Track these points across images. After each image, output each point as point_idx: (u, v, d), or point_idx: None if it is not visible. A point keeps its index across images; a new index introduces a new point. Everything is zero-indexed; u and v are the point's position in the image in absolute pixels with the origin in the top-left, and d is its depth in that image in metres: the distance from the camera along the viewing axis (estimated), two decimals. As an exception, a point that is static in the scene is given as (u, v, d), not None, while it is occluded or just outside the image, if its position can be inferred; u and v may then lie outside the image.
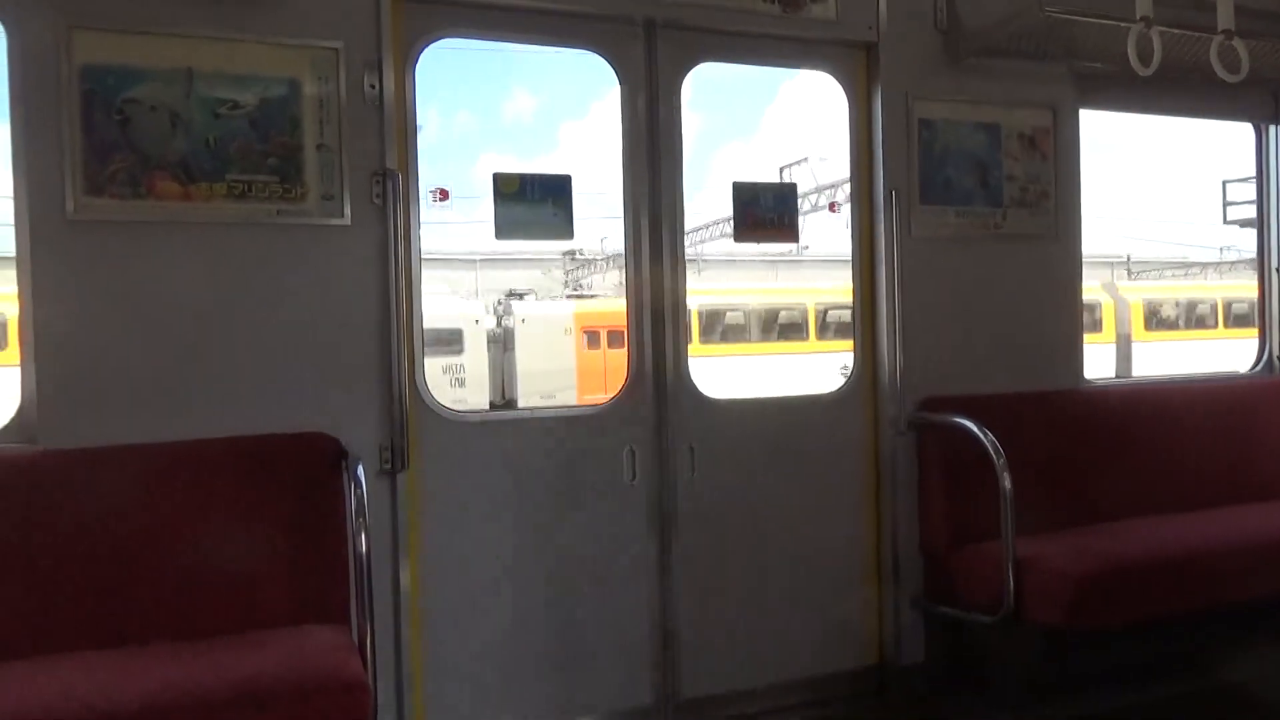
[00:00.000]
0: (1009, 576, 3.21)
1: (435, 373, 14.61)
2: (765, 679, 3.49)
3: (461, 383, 15.83)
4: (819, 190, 18.69)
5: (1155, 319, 21.11)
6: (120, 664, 2.37)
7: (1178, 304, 21.45)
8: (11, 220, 2.65)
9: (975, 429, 3.34)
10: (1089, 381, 4.06)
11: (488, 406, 15.50)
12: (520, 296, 18.38)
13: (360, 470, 2.68)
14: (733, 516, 3.46)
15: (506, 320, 17.13)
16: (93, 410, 2.69)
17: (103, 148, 2.68)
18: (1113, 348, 20.04)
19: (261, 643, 2.49)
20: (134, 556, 2.62)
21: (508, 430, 3.31)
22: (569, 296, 18.99)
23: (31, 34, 2.62)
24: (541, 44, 3.46)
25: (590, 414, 3.45)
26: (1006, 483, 3.23)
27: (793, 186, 3.69)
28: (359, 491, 2.62)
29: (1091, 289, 21.91)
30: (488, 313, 17.14)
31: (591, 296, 19.35)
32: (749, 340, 17.83)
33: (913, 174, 3.66)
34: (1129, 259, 27.14)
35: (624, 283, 3.47)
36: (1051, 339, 3.94)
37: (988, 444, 3.28)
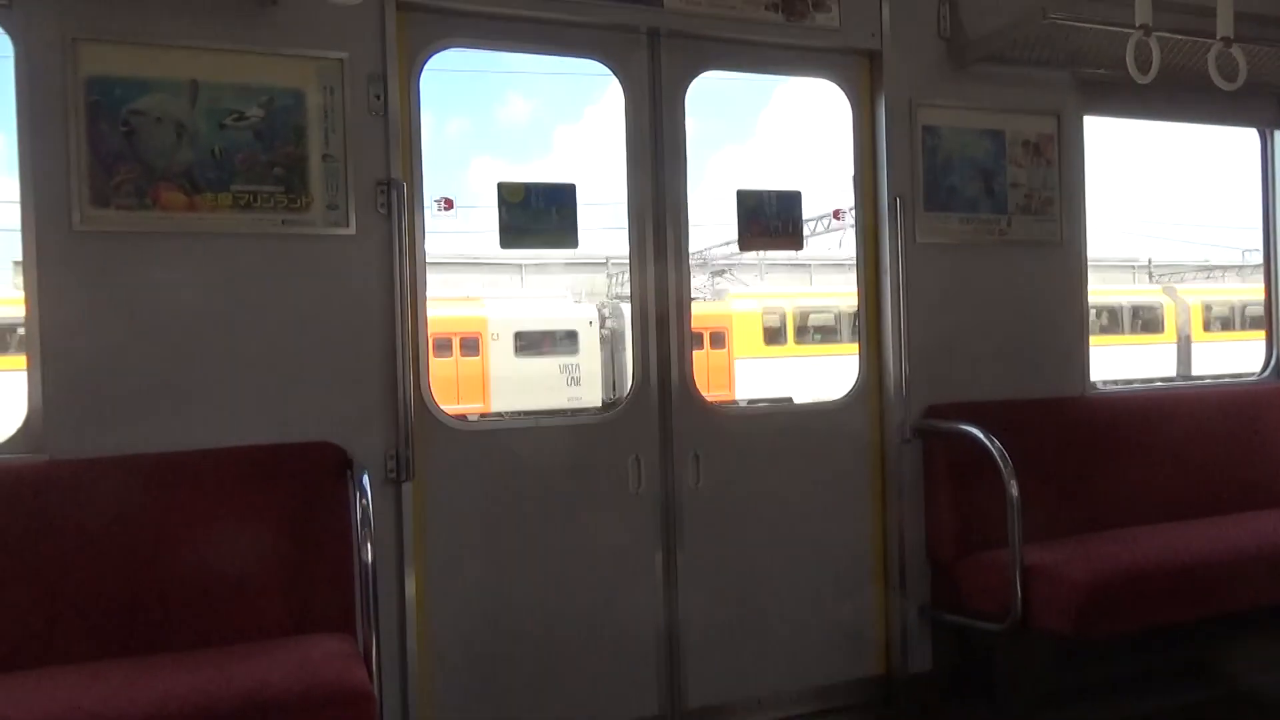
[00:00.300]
0: (1017, 584, 3.19)
1: (554, 371, 15.83)
2: (771, 688, 3.48)
3: (577, 381, 16.57)
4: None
5: (1212, 320, 21.31)
6: (125, 674, 2.37)
7: (1231, 306, 21.74)
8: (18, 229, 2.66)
9: (981, 436, 3.33)
10: (1095, 387, 4.05)
11: (600, 404, 16.13)
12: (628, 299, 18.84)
13: (365, 479, 2.68)
14: (738, 524, 3.45)
15: (612, 322, 17.71)
16: (99, 420, 2.70)
17: (108, 159, 2.69)
18: (1174, 348, 20.27)
19: (267, 652, 2.48)
20: (140, 566, 2.62)
21: (513, 439, 3.31)
22: None
23: (37, 46, 2.64)
24: (546, 53, 3.47)
25: (595, 422, 3.45)
26: (1014, 490, 3.22)
27: (797, 194, 3.68)
28: (364, 501, 2.62)
29: (1153, 291, 22.23)
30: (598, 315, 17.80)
31: (693, 299, 19.77)
32: (840, 341, 18.10)
33: (917, 181, 3.66)
34: (1150, 262, 27.11)
35: (629, 291, 3.47)
36: (1057, 345, 3.93)
37: (994, 451, 3.27)
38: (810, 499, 3.56)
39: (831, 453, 3.61)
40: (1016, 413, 3.67)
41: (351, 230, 2.94)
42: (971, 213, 3.77)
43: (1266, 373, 4.61)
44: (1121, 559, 3.29)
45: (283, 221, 2.87)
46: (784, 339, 18.06)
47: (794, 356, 17.61)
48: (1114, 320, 21.34)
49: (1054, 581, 3.17)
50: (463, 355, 15.79)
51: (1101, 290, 22.79)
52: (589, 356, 16.88)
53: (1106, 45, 3.51)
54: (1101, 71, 3.77)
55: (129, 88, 2.72)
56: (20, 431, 2.69)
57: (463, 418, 3.23)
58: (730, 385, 17.54)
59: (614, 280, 19.97)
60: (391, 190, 2.96)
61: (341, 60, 2.92)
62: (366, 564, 2.54)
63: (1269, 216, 4.61)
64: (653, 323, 3.39)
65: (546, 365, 16.11)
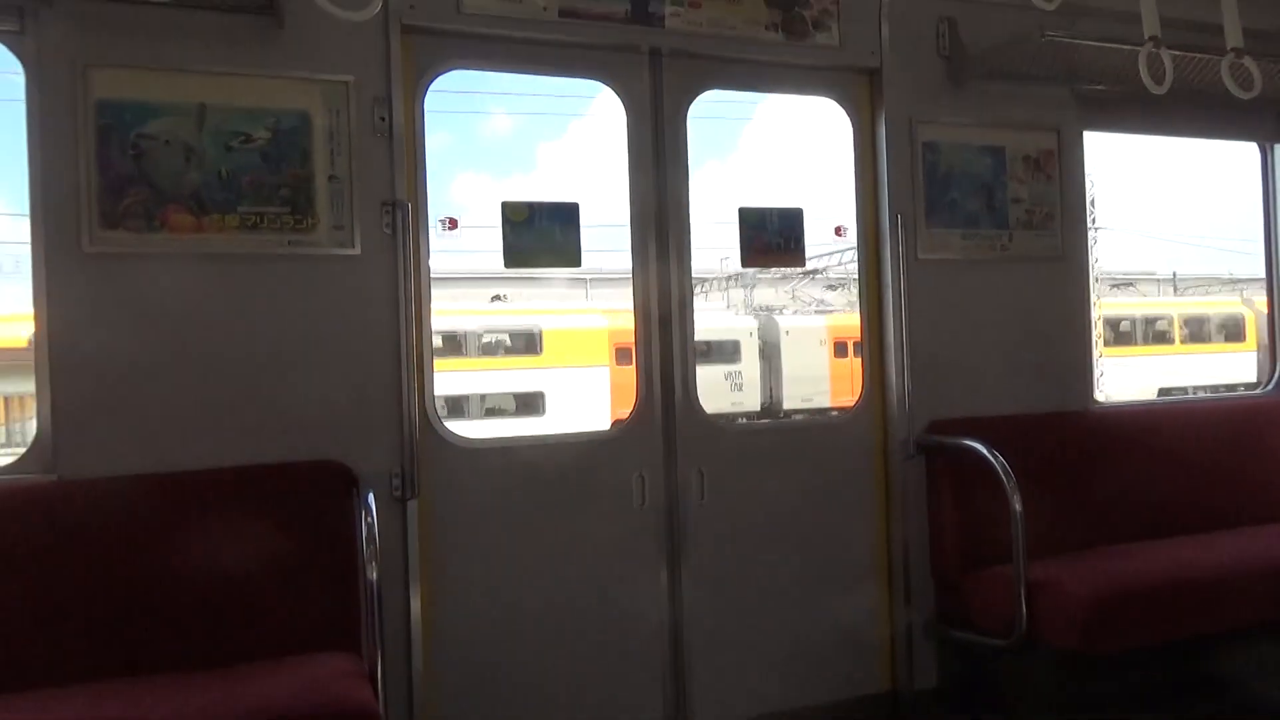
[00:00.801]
0: (1021, 599, 3.19)
1: (718, 378, 17.48)
2: (777, 704, 3.47)
3: (740, 388, 18.49)
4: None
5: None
6: (133, 693, 2.38)
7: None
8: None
9: (985, 451, 3.33)
10: (1098, 403, 4.05)
11: (758, 409, 18.22)
12: (780, 311, 20.79)
13: (370, 498, 2.69)
14: (743, 540, 3.46)
15: (763, 333, 19.52)
16: (108, 440, 2.72)
17: (118, 182, 2.73)
18: (1254, 355, 21.30)
19: (273, 671, 2.49)
20: (148, 585, 2.64)
21: (517, 457, 3.32)
22: (817, 312, 21.26)
23: (48, 71, 2.68)
24: (548, 74, 3.50)
25: (599, 439, 3.46)
26: (1017, 505, 3.22)
27: (799, 211, 3.70)
28: (369, 519, 2.63)
29: (1233, 303, 23.28)
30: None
31: (832, 311, 21.41)
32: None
33: (918, 197, 3.68)
34: (1175, 275, 27.42)
35: (633, 308, 3.48)
36: (1061, 360, 3.94)
37: (998, 466, 3.28)
38: (814, 514, 3.56)
39: (836, 468, 3.62)
40: (1020, 427, 3.67)
41: (357, 250, 2.96)
42: (973, 228, 3.79)
43: (1270, 386, 4.61)
44: (1126, 574, 3.29)
45: (289, 242, 2.90)
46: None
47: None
48: (1199, 331, 22.03)
49: (1058, 596, 3.16)
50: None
51: (1187, 302, 23.48)
52: (749, 365, 18.79)
53: (1105, 60, 3.54)
54: (1101, 87, 3.80)
55: (138, 111, 2.75)
56: (30, 452, 2.71)
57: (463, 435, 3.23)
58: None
59: (749, 292, 21.76)
60: (396, 210, 2.99)
61: (347, 83, 2.95)
62: (371, 582, 2.55)
63: (1270, 230, 4.62)
64: (655, 339, 3.40)
65: (714, 373, 17.43)
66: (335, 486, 2.84)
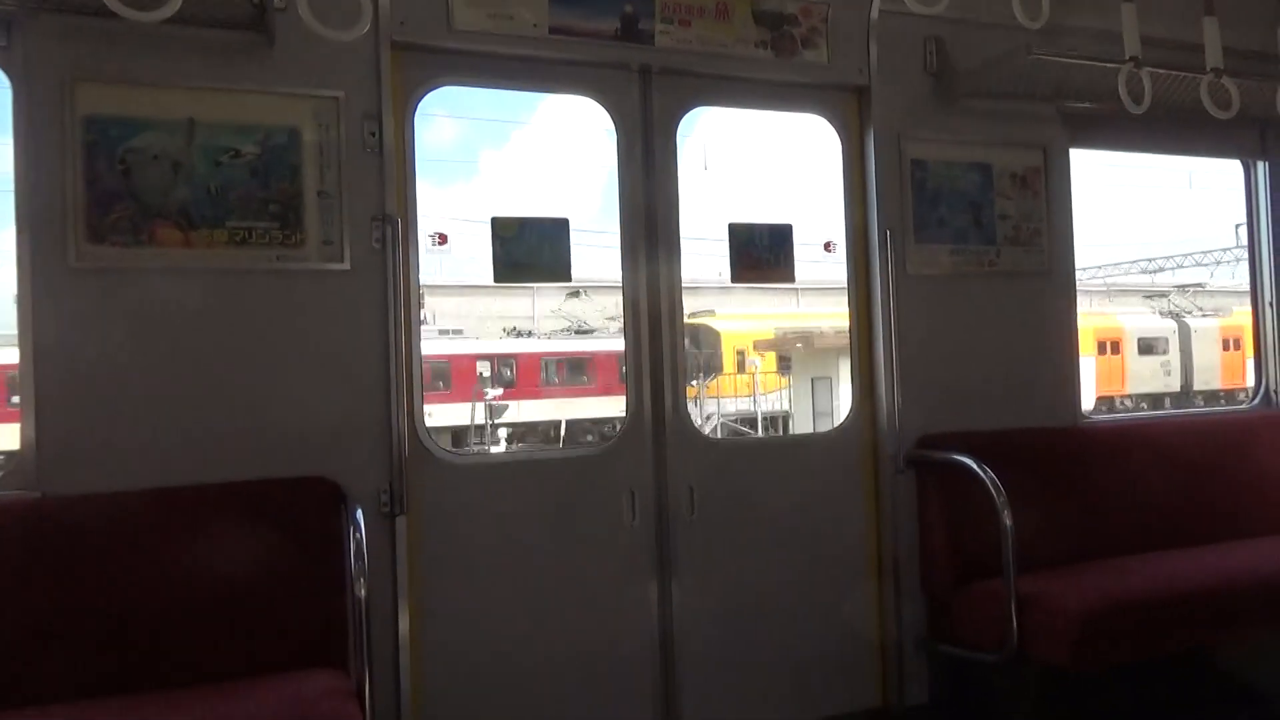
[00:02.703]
0: (1012, 614, 3.18)
1: (1155, 368, 24.31)
2: None
3: (1169, 374, 24.45)
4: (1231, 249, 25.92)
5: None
6: (118, 712, 2.35)
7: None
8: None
9: (974, 466, 3.34)
10: (1087, 418, 4.07)
11: (1178, 390, 24.13)
12: (1189, 313, 26.11)
13: (359, 514, 2.67)
14: (733, 556, 3.44)
15: (1184, 334, 25.06)
16: (93, 456, 2.69)
17: (105, 197, 2.71)
18: None
19: (259, 689, 2.47)
20: (132, 603, 2.60)
21: (507, 473, 3.30)
22: (1204, 315, 26.22)
23: (36, 86, 2.67)
24: (538, 91, 3.51)
25: (589, 456, 3.45)
26: (1007, 520, 3.22)
27: (789, 226, 3.71)
28: (357, 535, 2.61)
29: None
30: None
31: (1219, 315, 26.10)
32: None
33: (906, 213, 3.70)
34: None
35: (623, 325, 3.48)
36: (1049, 374, 3.96)
37: (987, 481, 3.28)
38: (805, 530, 3.56)
39: (826, 483, 3.62)
40: (1009, 442, 3.68)
41: (346, 265, 2.95)
42: (961, 244, 3.81)
43: (1256, 401, 4.64)
44: (1117, 588, 3.29)
45: (278, 257, 2.89)
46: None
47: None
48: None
49: (1050, 611, 3.16)
50: (1112, 354, 23.50)
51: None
52: (1174, 357, 24.74)
53: (1091, 79, 3.58)
54: (1086, 105, 3.83)
55: (126, 127, 2.74)
56: (14, 467, 2.68)
57: (455, 451, 3.21)
58: (1123, 381, 24.04)
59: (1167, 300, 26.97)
60: (386, 225, 2.98)
61: (337, 99, 2.95)
62: (360, 599, 2.52)
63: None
64: (646, 355, 3.40)
65: (1151, 363, 24.38)
66: (323, 503, 2.82)
